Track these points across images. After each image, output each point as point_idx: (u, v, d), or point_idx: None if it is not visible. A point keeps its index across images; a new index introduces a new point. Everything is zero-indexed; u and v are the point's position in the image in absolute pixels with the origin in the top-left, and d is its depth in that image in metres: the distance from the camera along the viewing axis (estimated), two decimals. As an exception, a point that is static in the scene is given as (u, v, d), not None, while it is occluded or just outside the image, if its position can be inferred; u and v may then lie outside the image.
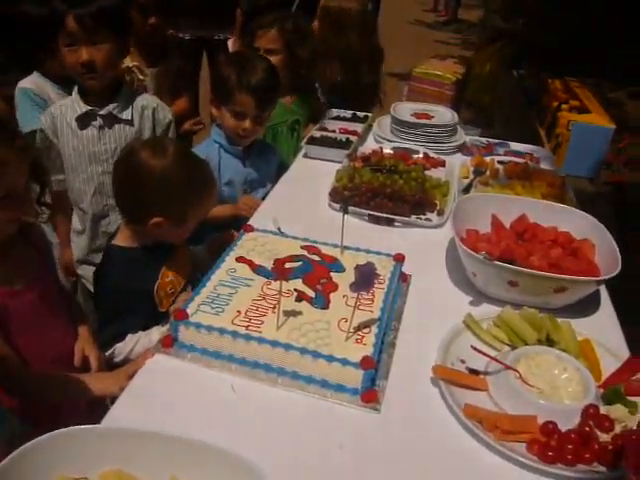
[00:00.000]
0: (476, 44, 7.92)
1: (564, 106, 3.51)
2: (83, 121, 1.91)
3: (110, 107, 1.91)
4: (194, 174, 1.46)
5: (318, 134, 2.27)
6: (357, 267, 1.11)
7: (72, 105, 1.91)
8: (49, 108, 1.95)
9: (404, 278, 1.43)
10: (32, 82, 2.14)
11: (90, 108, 1.89)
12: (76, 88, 1.92)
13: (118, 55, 1.92)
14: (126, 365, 1.32)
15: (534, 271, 1.30)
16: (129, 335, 1.43)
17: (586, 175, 3.34)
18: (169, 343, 1.16)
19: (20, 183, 1.17)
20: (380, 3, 6.00)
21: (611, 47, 4.71)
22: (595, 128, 3.21)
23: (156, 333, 1.44)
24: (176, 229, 1.49)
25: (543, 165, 2.25)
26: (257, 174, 2.02)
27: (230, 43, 3.43)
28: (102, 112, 1.91)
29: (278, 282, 1.20)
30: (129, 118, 1.94)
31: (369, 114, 2.54)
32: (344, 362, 1.07)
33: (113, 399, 1.13)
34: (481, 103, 5.30)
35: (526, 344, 1.24)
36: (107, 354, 1.45)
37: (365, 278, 1.06)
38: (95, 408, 1.28)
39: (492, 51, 5.61)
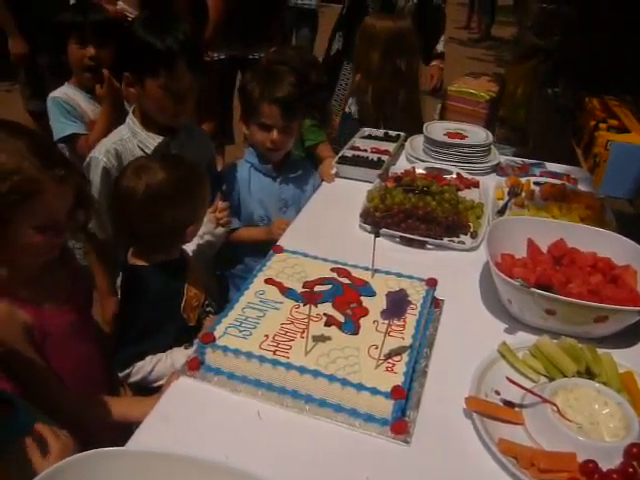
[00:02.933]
0: (510, 61, 7.84)
1: (602, 125, 3.41)
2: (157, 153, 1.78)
3: (180, 138, 1.85)
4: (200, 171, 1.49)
5: (350, 153, 2.25)
6: (388, 294, 1.08)
7: (134, 136, 1.78)
8: (104, 146, 1.79)
9: (436, 304, 1.39)
10: (62, 92, 2.24)
11: (164, 138, 1.80)
12: (133, 117, 1.81)
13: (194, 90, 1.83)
14: (159, 392, 1.29)
15: (573, 299, 1.25)
16: (149, 357, 1.42)
17: (625, 196, 3.23)
18: (195, 366, 1.15)
19: (61, 212, 1.17)
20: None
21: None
22: (635, 148, 3.11)
23: (178, 354, 1.43)
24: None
25: (581, 186, 2.19)
26: (290, 192, 2.01)
27: None
28: (175, 141, 1.83)
29: (307, 306, 1.18)
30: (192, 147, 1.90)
31: (401, 133, 2.52)
32: (374, 391, 1.04)
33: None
34: (515, 121, 5.22)
35: (564, 376, 1.18)
36: (122, 374, 1.44)
37: (396, 306, 1.03)
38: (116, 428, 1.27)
39: (526, 68, 5.53)
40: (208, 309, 1.55)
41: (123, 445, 0.99)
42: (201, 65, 1.80)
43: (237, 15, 3.19)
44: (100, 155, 1.76)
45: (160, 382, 1.41)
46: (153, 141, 1.78)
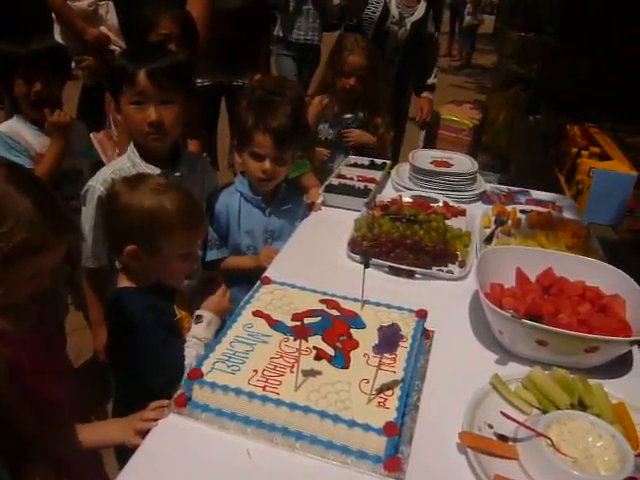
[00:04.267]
0: (491, 88, 7.99)
1: (584, 152, 3.48)
2: None
3: (180, 171, 1.82)
4: (162, 204, 1.39)
5: (336, 182, 2.25)
6: (381, 328, 1.06)
7: (134, 168, 1.76)
8: (102, 175, 1.76)
9: (427, 334, 1.38)
10: (7, 126, 2.15)
11: (161, 171, 1.76)
12: (134, 149, 1.80)
13: (182, 115, 1.80)
14: (138, 412, 1.25)
15: (565, 331, 1.25)
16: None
17: (608, 223, 3.28)
18: (182, 402, 1.12)
19: (50, 267, 1.17)
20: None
21: (627, 91, 4.71)
22: (617, 175, 3.17)
23: (198, 331, 1.43)
24: (153, 260, 1.43)
25: (566, 214, 2.20)
26: (278, 224, 1.99)
27: None
28: (176, 175, 1.79)
29: (297, 340, 1.16)
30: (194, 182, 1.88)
31: (387, 161, 2.53)
32: (366, 428, 1.01)
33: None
34: (497, 148, 5.31)
35: (557, 408, 1.17)
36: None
37: (389, 340, 1.02)
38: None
39: (507, 96, 5.64)
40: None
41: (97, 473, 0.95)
42: (186, 82, 1.79)
43: (224, 41, 3.20)
44: (97, 184, 1.74)
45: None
46: (152, 172, 1.73)
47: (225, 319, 1.47)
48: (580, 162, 3.38)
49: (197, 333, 1.43)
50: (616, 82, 4.39)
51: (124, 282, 1.48)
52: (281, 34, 4.01)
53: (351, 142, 2.91)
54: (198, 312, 1.48)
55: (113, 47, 3.02)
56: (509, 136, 5.34)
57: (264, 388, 1.09)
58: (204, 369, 1.13)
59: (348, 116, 2.90)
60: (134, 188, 1.42)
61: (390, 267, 1.69)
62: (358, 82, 2.80)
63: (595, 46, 4.70)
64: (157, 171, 1.74)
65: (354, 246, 1.76)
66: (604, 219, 3.20)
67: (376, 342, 1.05)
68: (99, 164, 2.04)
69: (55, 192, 1.24)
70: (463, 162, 2.40)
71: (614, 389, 1.24)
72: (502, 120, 5.40)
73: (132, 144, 1.82)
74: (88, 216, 1.75)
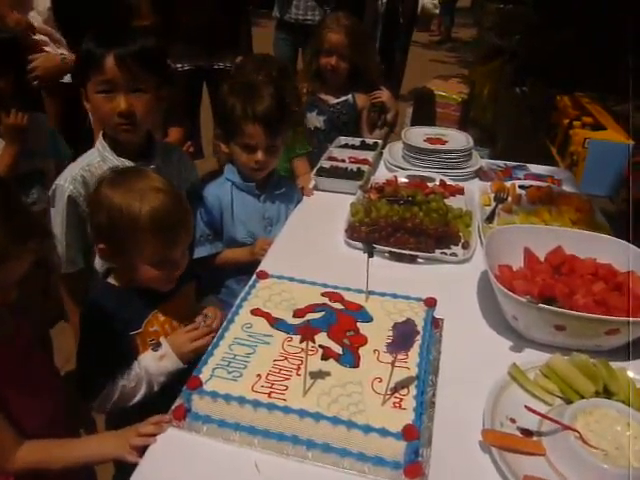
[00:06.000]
0: (472, 62, 7.89)
1: (576, 123, 3.40)
2: None
3: (155, 163, 1.67)
4: (130, 206, 1.27)
5: (327, 164, 2.15)
6: (395, 326, 0.98)
7: (104, 162, 1.63)
8: (70, 172, 1.62)
9: (436, 323, 1.30)
10: None
11: (137, 163, 1.62)
12: (103, 142, 1.66)
13: (157, 104, 1.66)
14: (134, 425, 1.17)
15: (585, 314, 1.17)
16: (109, 382, 1.29)
17: (605, 194, 3.22)
18: (181, 415, 1.03)
19: (16, 278, 1.07)
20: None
21: (612, 60, 4.63)
22: (613, 145, 3.10)
23: (147, 359, 1.32)
24: (123, 263, 1.35)
25: (565, 187, 2.14)
26: (275, 210, 1.90)
27: None
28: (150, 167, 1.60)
29: (300, 337, 1.07)
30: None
31: (378, 141, 2.43)
32: (383, 432, 0.94)
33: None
34: (483, 122, 5.22)
35: (581, 397, 1.10)
36: (95, 407, 1.33)
37: (404, 338, 0.93)
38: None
39: (490, 69, 5.53)
40: None
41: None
42: (159, 68, 1.63)
43: (202, 23, 3.05)
44: (66, 183, 1.60)
45: (137, 398, 1.31)
46: (124, 165, 1.60)
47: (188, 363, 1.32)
48: (573, 133, 3.31)
49: (146, 362, 1.32)
50: (603, 50, 4.31)
51: (111, 279, 1.40)
52: (278, 14, 3.77)
53: (379, 102, 2.80)
54: (162, 339, 1.36)
55: (39, 37, 2.76)
56: (494, 110, 5.25)
57: (270, 395, 1.01)
58: (203, 377, 1.04)
59: (336, 101, 2.76)
60: (115, 184, 1.32)
61: (391, 252, 1.61)
62: (340, 60, 2.66)
63: (577, 15, 4.60)
64: (130, 164, 1.61)
65: (352, 232, 1.67)
66: (600, 190, 3.13)
67: (389, 340, 0.97)
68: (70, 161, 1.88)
69: (17, 196, 1.13)
70: (457, 138, 2.32)
71: (637, 372, 1.18)
72: (487, 94, 5.30)
73: (101, 136, 1.67)
74: (58, 217, 1.61)
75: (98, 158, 1.64)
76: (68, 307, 1.70)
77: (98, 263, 1.66)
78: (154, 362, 1.33)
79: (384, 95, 2.80)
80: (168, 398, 1.10)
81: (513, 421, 1.07)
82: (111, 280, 1.40)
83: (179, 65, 3.27)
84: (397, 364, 1.05)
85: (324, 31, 2.67)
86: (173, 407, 1.06)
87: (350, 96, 2.75)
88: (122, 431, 1.13)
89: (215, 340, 1.15)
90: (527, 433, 1.05)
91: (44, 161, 2.12)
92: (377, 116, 2.85)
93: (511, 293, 1.22)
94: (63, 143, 2.22)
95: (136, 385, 1.31)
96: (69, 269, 1.65)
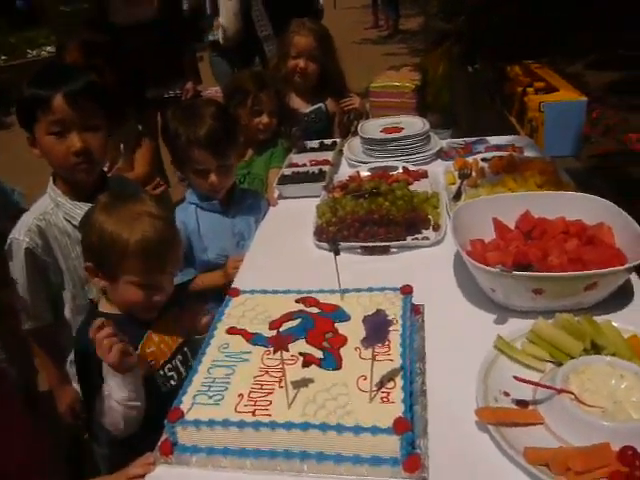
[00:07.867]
0: (423, 49, 7.96)
1: (529, 89, 3.42)
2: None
3: None
4: (120, 233, 1.27)
5: (288, 171, 2.13)
6: (365, 319, 0.95)
7: (58, 208, 1.58)
8: (24, 224, 1.57)
9: (416, 310, 1.27)
10: None
11: (92, 205, 1.49)
12: (53, 186, 1.60)
13: (107, 142, 1.62)
14: (123, 469, 1.12)
15: (560, 274, 1.16)
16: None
17: (569, 154, 3.24)
18: (168, 449, 0.99)
19: None
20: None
21: (559, 24, 4.70)
22: (568, 104, 3.12)
23: (111, 384, 1.23)
24: (112, 285, 1.33)
25: (527, 153, 2.13)
26: (245, 223, 1.86)
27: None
28: None
29: (275, 351, 1.04)
30: None
31: (337, 140, 2.41)
32: (374, 431, 0.90)
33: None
34: (441, 105, 5.25)
35: (571, 357, 1.08)
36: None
37: (376, 330, 0.90)
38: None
39: (441, 52, 5.58)
40: (170, 374, 1.38)
41: None
42: (107, 103, 1.59)
43: (142, 54, 3.04)
44: (21, 236, 1.55)
45: (119, 427, 1.25)
46: (80, 211, 1.54)
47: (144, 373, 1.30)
48: (528, 100, 3.32)
49: (114, 392, 1.23)
50: (546, 18, 4.35)
51: (104, 306, 1.39)
52: (211, 37, 3.80)
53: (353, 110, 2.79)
54: None
55: None
56: (450, 92, 5.29)
57: (254, 412, 0.97)
58: (184, 407, 1.00)
59: (309, 110, 2.70)
60: (109, 209, 1.32)
61: (362, 247, 1.58)
62: (310, 62, 2.61)
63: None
64: (85, 207, 1.52)
65: (321, 234, 1.65)
66: (563, 150, 3.14)
67: (364, 335, 0.94)
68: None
69: None
70: (413, 124, 2.30)
71: (622, 322, 1.16)
72: (440, 77, 5.33)
73: (51, 181, 1.62)
74: (18, 272, 1.56)
75: (52, 205, 1.60)
76: (43, 364, 1.66)
77: (68, 312, 1.62)
78: (118, 390, 1.23)
79: (356, 101, 2.80)
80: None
81: (507, 394, 1.04)
82: (102, 308, 1.38)
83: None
84: (379, 358, 1.03)
85: (291, 35, 2.62)
86: (159, 443, 1.02)
87: (322, 104, 2.72)
88: (112, 477, 1.09)
89: (193, 366, 1.12)
90: (523, 404, 1.02)
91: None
92: (350, 122, 2.84)
93: (483, 265, 1.20)
94: (8, 190, 2.14)
95: (109, 415, 1.25)
96: (36, 324, 1.60)
